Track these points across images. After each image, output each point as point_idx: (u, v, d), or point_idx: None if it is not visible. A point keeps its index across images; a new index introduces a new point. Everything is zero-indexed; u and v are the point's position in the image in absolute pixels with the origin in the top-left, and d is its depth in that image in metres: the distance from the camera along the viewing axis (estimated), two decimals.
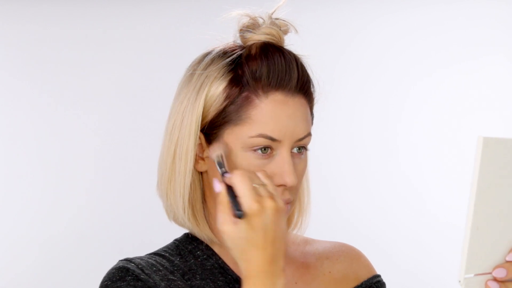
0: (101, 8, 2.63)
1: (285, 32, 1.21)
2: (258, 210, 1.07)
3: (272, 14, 1.20)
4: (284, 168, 1.15)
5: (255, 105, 1.16)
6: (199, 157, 1.20)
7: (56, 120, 2.60)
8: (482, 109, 2.61)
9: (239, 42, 1.21)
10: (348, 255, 1.32)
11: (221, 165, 1.14)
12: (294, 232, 1.28)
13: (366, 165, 2.65)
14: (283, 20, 1.21)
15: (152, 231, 2.49)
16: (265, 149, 1.16)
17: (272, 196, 1.08)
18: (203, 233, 1.21)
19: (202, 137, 1.19)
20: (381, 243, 2.58)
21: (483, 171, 0.98)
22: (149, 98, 2.61)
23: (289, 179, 1.15)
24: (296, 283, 1.26)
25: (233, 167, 1.16)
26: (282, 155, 1.16)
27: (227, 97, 1.17)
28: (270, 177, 1.13)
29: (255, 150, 1.15)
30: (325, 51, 2.57)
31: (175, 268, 1.20)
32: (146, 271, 1.17)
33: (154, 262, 1.19)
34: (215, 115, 1.17)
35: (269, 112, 1.15)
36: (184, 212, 1.20)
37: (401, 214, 2.63)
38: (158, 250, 1.24)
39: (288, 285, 1.23)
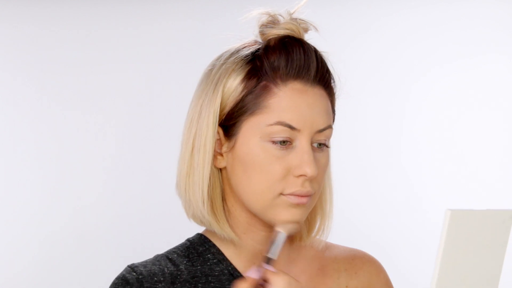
0: (102, 8, 2.62)
1: (305, 30, 1.20)
2: None
3: (292, 13, 1.19)
4: (304, 158, 1.12)
5: (273, 94, 1.14)
6: (218, 153, 1.18)
7: (56, 120, 2.59)
8: (484, 109, 2.62)
9: (259, 39, 1.20)
10: (368, 269, 1.29)
11: (276, 247, 1.09)
12: (317, 237, 1.25)
13: (369, 165, 2.65)
14: (303, 20, 1.20)
15: (153, 231, 2.49)
16: (283, 142, 1.13)
17: None
18: (223, 231, 1.18)
19: (221, 131, 1.17)
20: (383, 244, 2.58)
21: (448, 242, 0.97)
22: (149, 99, 2.61)
23: (309, 169, 1.12)
24: None
25: (250, 161, 1.14)
26: (302, 145, 1.13)
27: (245, 87, 1.15)
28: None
29: (274, 142, 1.13)
30: (326, 51, 2.57)
31: (179, 273, 1.18)
32: (146, 285, 1.15)
33: (157, 270, 1.17)
34: (233, 106, 1.15)
35: (287, 100, 1.13)
36: (204, 205, 1.17)
37: (402, 214, 2.64)
38: (167, 251, 1.22)
39: None
